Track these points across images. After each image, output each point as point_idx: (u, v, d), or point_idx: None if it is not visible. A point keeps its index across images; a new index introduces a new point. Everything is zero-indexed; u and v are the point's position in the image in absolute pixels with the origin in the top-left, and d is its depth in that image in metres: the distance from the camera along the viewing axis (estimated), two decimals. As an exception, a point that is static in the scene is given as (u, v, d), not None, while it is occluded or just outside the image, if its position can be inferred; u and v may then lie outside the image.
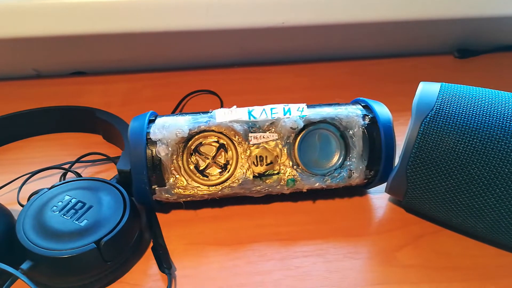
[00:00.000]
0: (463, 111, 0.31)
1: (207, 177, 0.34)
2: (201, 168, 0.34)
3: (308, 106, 0.36)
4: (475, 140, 0.30)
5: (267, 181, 0.35)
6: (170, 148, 0.33)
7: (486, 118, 0.30)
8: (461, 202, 0.31)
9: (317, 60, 0.58)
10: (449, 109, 0.31)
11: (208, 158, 0.34)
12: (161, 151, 0.33)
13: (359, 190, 0.38)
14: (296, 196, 0.37)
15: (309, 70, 0.56)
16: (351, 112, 0.36)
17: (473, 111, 0.31)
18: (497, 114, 0.30)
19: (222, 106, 0.49)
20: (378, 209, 0.37)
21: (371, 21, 0.51)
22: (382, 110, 0.36)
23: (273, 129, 0.35)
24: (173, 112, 0.47)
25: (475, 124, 0.30)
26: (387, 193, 0.36)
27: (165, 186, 0.33)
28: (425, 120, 0.31)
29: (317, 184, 0.35)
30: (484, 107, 0.31)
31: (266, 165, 0.34)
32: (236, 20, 0.49)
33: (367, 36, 0.58)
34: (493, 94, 0.32)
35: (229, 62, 0.57)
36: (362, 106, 0.37)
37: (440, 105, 0.31)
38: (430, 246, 0.34)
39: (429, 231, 0.35)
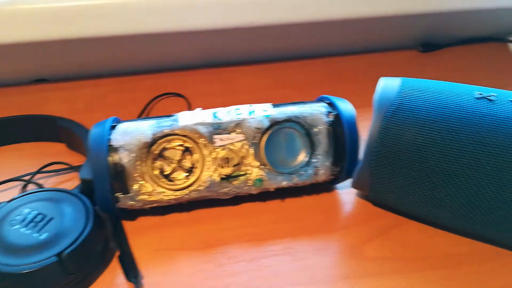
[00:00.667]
0: (422, 105, 0.31)
1: (173, 181, 0.34)
2: (166, 173, 0.34)
3: (274, 106, 0.36)
4: (434, 132, 0.30)
5: (234, 182, 0.34)
6: (132, 154, 0.32)
7: (444, 111, 0.31)
8: (424, 193, 0.31)
9: (286, 59, 0.58)
10: (409, 103, 0.32)
11: (173, 163, 0.33)
12: (124, 157, 0.32)
13: (327, 187, 0.39)
14: (265, 195, 0.37)
15: (277, 70, 0.56)
16: (316, 110, 0.36)
17: (432, 104, 0.31)
18: (454, 106, 0.31)
19: (190, 109, 0.49)
20: (346, 204, 0.38)
21: (335, 18, 0.52)
22: (345, 106, 0.36)
23: (238, 130, 0.34)
24: (139, 117, 0.47)
25: (433, 117, 0.31)
26: (354, 188, 0.36)
27: (130, 193, 0.33)
28: (386, 115, 0.32)
29: (285, 182, 0.35)
30: (442, 100, 0.31)
31: (233, 166, 0.34)
32: (201, 21, 0.48)
33: (332, 34, 0.58)
34: (451, 87, 0.33)
35: (197, 63, 0.57)
36: (327, 104, 0.37)
37: (401, 99, 0.32)
38: (397, 238, 0.35)
39: (396, 223, 0.36)
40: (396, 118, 0.31)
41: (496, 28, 0.64)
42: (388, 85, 0.33)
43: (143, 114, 0.48)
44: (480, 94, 0.31)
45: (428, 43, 0.62)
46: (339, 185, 0.39)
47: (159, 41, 0.54)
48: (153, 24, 0.48)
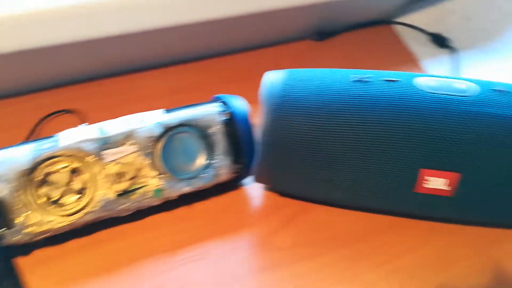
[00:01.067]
0: (305, 94, 0.32)
1: (63, 207, 0.31)
2: (54, 199, 0.31)
3: (167, 111, 0.35)
4: (318, 119, 0.31)
5: (132, 197, 0.33)
6: (11, 185, 0.29)
7: (325, 97, 0.32)
8: (319, 178, 0.33)
9: (183, 61, 0.57)
10: (293, 94, 0.32)
11: (60, 187, 0.31)
12: (1, 190, 0.29)
13: (232, 185, 0.39)
14: (169, 204, 0.36)
15: (175, 74, 0.54)
16: (209, 111, 0.35)
17: (314, 92, 0.32)
18: (333, 91, 0.32)
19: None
20: (254, 199, 0.38)
21: (227, 16, 0.52)
22: (239, 104, 0.36)
23: (129, 142, 0.33)
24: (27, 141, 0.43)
25: (316, 104, 0.32)
26: (257, 182, 0.36)
27: (14, 227, 0.30)
28: (272, 108, 0.32)
29: (187, 188, 0.34)
30: (323, 87, 0.32)
31: (129, 180, 0.33)
32: (89, 30, 0.46)
33: (226, 32, 0.58)
34: (330, 74, 0.34)
35: (89, 75, 0.54)
36: (220, 103, 0.37)
37: (285, 91, 0.33)
38: (304, 224, 0.36)
39: (302, 210, 0.37)
40: (282, 110, 0.32)
41: (381, 11, 0.68)
42: (272, 79, 0.34)
43: (31, 137, 0.44)
44: (356, 77, 0.32)
45: (322, 31, 0.64)
46: (245, 181, 0.39)
47: (43, 55, 0.50)
48: (32, 38, 0.44)
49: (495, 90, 0.31)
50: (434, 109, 0.30)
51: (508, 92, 0.31)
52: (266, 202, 0.38)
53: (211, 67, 0.56)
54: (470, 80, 0.32)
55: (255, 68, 0.55)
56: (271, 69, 0.33)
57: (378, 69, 0.57)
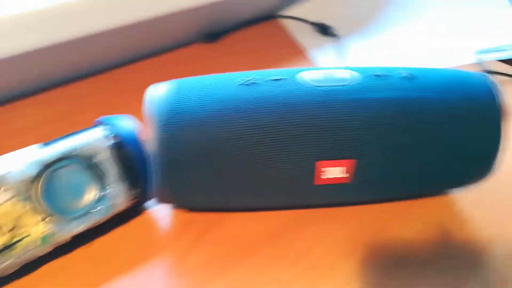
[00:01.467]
0: (194, 104, 0.31)
1: None
2: None
3: (44, 145, 0.31)
4: (210, 129, 0.30)
5: (14, 251, 0.29)
6: None
7: (214, 104, 0.30)
8: (224, 187, 0.31)
9: (62, 83, 0.52)
10: (182, 106, 0.31)
11: None
12: None
13: (136, 210, 0.36)
14: (64, 248, 0.32)
15: (54, 99, 0.49)
16: (93, 137, 0.32)
17: (203, 101, 0.31)
18: (222, 97, 0.31)
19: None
20: (161, 221, 0.36)
21: (108, 28, 0.48)
22: (125, 123, 0.34)
23: (1, 189, 0.28)
24: None
25: (206, 114, 0.30)
26: (160, 203, 0.34)
27: None
28: (161, 125, 0.30)
29: (80, 227, 0.31)
30: (211, 94, 0.31)
31: (7, 233, 0.28)
32: None
33: (112, 44, 0.54)
34: (217, 79, 0.33)
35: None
36: (104, 126, 0.34)
37: (172, 105, 0.31)
38: (217, 236, 0.34)
39: (213, 222, 0.35)
40: (172, 125, 0.30)
41: (268, 6, 0.69)
42: (157, 93, 0.32)
43: None
44: (242, 80, 0.32)
45: (211, 33, 0.63)
46: (149, 203, 0.36)
47: None
48: None
49: (375, 75, 0.32)
50: (320, 102, 0.30)
51: (387, 75, 0.32)
52: (174, 222, 0.36)
53: (95, 87, 0.51)
54: (352, 69, 0.33)
55: (145, 80, 0.52)
56: (162, 79, 0.31)
57: (270, 65, 0.57)
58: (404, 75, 0.32)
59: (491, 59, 0.56)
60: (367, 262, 0.32)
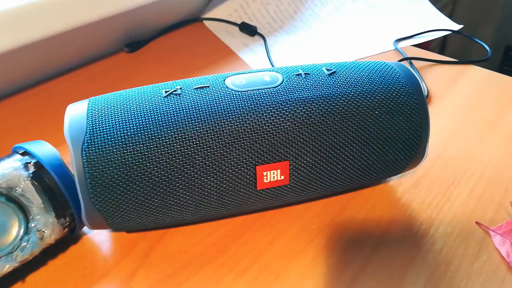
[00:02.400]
0: (117, 122, 0.29)
1: None
2: None
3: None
4: (135, 146, 0.29)
5: None
6: None
7: (139, 120, 0.29)
8: (159, 205, 0.30)
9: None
10: (104, 124, 0.29)
11: None
12: None
13: (73, 238, 0.34)
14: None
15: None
16: (8, 168, 0.30)
17: (126, 117, 0.29)
18: (147, 111, 0.30)
19: None
20: (102, 245, 0.34)
21: (15, 46, 0.44)
22: (45, 149, 0.31)
23: None
24: None
25: (130, 130, 0.29)
26: (93, 229, 0.32)
27: None
28: (84, 146, 0.28)
29: (7, 266, 0.28)
30: (135, 109, 0.30)
31: None
32: None
33: (29, 59, 0.50)
34: (140, 92, 0.31)
35: None
36: (21, 154, 0.31)
37: (93, 125, 0.29)
38: (162, 254, 0.33)
39: (156, 240, 0.34)
40: (93, 147, 0.28)
41: (189, 9, 0.68)
42: (76, 113, 0.30)
43: None
44: (167, 91, 0.31)
45: (132, 41, 0.61)
46: (85, 230, 0.34)
47: None
48: None
49: (297, 75, 0.33)
50: (247, 107, 0.30)
51: (309, 73, 0.33)
52: (116, 245, 0.34)
53: (10, 109, 0.47)
54: (275, 70, 0.33)
55: (67, 96, 0.50)
56: (86, 93, 0.29)
57: (201, 69, 0.56)
58: (325, 71, 0.33)
59: (408, 45, 0.60)
60: (321, 253, 0.33)
